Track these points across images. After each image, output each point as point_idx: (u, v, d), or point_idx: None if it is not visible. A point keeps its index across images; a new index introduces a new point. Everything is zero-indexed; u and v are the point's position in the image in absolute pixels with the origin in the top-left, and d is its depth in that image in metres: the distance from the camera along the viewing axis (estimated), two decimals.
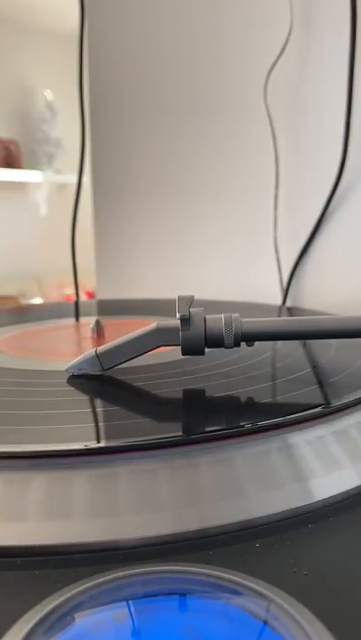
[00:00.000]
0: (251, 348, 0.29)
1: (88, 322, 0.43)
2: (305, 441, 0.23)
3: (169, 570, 0.16)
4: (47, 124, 2.31)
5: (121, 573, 0.16)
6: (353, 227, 0.53)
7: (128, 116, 0.73)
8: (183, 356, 0.29)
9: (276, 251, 0.59)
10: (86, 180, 0.76)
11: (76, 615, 0.15)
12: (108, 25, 0.73)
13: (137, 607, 0.15)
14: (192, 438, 0.21)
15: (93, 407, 0.27)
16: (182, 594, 0.16)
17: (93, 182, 0.80)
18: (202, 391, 0.28)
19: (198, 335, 0.28)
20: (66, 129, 2.21)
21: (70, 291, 1.89)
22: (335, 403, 0.25)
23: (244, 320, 0.28)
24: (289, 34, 0.55)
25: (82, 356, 0.30)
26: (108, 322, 0.43)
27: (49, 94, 2.29)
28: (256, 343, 0.29)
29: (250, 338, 0.29)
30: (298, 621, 0.14)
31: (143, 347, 0.29)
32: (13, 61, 2.22)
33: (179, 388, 0.28)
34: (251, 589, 0.15)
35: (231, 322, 0.28)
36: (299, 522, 0.20)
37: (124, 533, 0.19)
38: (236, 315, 0.28)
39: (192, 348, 0.28)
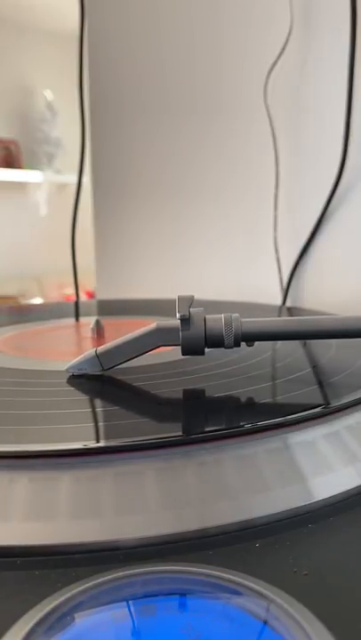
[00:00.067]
0: (251, 347, 0.29)
1: (88, 322, 0.43)
2: (305, 441, 0.23)
3: (169, 570, 0.16)
4: (47, 123, 2.31)
5: (121, 573, 0.16)
6: (353, 227, 0.53)
7: (128, 116, 0.73)
8: (183, 356, 0.29)
9: (276, 251, 0.59)
10: (86, 180, 0.76)
11: (76, 615, 0.15)
12: (108, 25, 0.73)
13: (137, 607, 0.15)
14: (192, 438, 0.21)
15: (93, 407, 0.27)
16: (182, 594, 0.16)
17: (93, 182, 0.80)
18: (202, 391, 0.28)
19: (198, 335, 0.28)
20: (66, 129, 2.21)
21: (70, 291, 1.89)
22: (335, 403, 0.25)
23: (244, 320, 0.28)
24: (289, 34, 0.55)
25: (82, 356, 0.30)
26: (108, 322, 0.43)
27: (49, 94, 2.29)
28: (256, 343, 0.29)
29: (250, 338, 0.29)
30: (298, 621, 0.14)
31: (143, 347, 0.29)
32: (13, 61, 2.22)
33: (179, 387, 0.28)
34: (251, 589, 0.15)
35: (231, 322, 0.28)
36: (299, 522, 0.20)
37: (124, 533, 0.18)
38: (236, 315, 0.28)
39: (192, 348, 0.28)
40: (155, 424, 0.24)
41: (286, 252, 0.59)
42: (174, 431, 0.22)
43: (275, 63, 0.56)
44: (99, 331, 0.40)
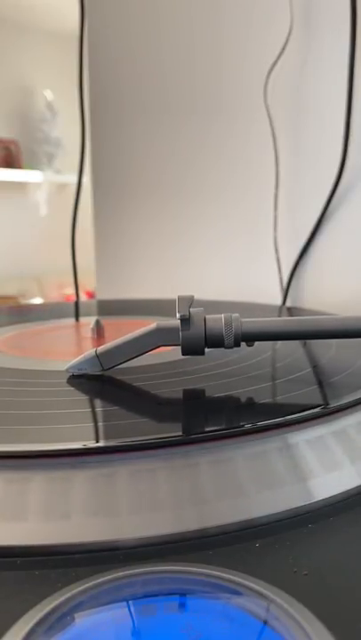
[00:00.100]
0: (251, 347, 0.29)
1: (88, 322, 0.43)
2: (305, 441, 0.22)
3: (169, 570, 0.16)
4: (47, 123, 2.31)
5: (121, 573, 0.16)
6: (353, 227, 0.53)
7: (128, 116, 0.73)
8: (183, 356, 0.29)
9: (276, 251, 0.59)
10: (86, 180, 0.76)
11: (76, 615, 0.15)
12: (108, 25, 0.73)
13: (137, 607, 0.15)
14: (192, 438, 0.21)
15: (93, 407, 0.27)
16: (182, 594, 0.16)
17: (93, 182, 0.80)
18: (202, 391, 0.28)
19: (198, 335, 0.28)
20: (66, 129, 2.21)
21: (70, 291, 1.89)
22: (335, 403, 0.25)
23: (244, 320, 0.28)
24: (289, 34, 0.55)
25: (82, 356, 0.30)
26: (108, 322, 0.43)
27: (49, 94, 2.29)
28: (256, 343, 0.29)
29: (250, 338, 0.29)
30: (298, 621, 0.14)
31: (143, 347, 0.29)
32: (13, 61, 2.22)
33: (179, 388, 0.28)
34: (251, 589, 0.15)
35: (231, 322, 0.28)
36: (299, 522, 0.20)
37: (124, 533, 0.19)
38: (236, 315, 0.28)
39: (192, 348, 0.28)
40: (155, 424, 0.24)
41: (286, 252, 0.59)
42: (174, 431, 0.22)
43: (275, 63, 0.56)
44: (99, 331, 0.40)
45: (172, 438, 0.21)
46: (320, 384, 0.29)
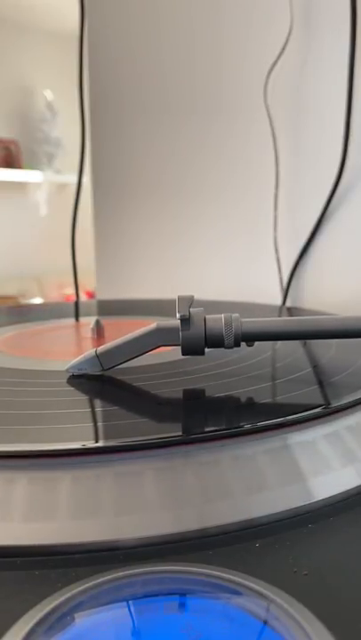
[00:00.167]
0: (251, 347, 0.29)
1: (88, 322, 0.43)
2: (305, 441, 0.22)
3: (169, 570, 0.16)
4: (47, 123, 2.31)
5: (121, 573, 0.16)
6: (353, 227, 0.53)
7: (128, 116, 0.73)
8: (183, 356, 0.29)
9: (276, 251, 0.59)
10: (86, 180, 0.76)
11: (76, 615, 0.15)
12: (108, 25, 0.73)
13: (137, 607, 0.15)
14: (192, 438, 0.21)
15: (93, 407, 0.27)
16: (182, 594, 0.16)
17: (93, 182, 0.80)
18: (202, 391, 0.28)
19: (198, 335, 0.28)
20: (66, 129, 2.21)
21: (70, 291, 1.89)
22: (335, 403, 0.25)
23: (244, 320, 0.28)
24: (289, 34, 0.55)
25: (82, 356, 0.30)
26: (108, 322, 0.43)
27: (49, 94, 2.29)
28: (256, 343, 0.29)
29: (250, 338, 0.29)
30: (298, 621, 0.14)
31: (143, 347, 0.29)
32: (13, 61, 2.22)
33: (179, 388, 0.28)
34: (251, 589, 0.15)
35: (231, 322, 0.28)
36: (299, 522, 0.20)
37: (124, 533, 0.18)
38: (236, 315, 0.28)
39: (192, 348, 0.28)
40: (155, 424, 0.24)
41: (286, 252, 0.59)
42: (174, 431, 0.22)
43: (275, 63, 0.56)
44: (99, 331, 0.40)
45: (172, 438, 0.21)
46: (320, 384, 0.29)
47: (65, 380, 0.29)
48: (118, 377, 0.29)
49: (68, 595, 0.15)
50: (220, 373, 0.30)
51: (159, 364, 0.32)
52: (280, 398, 0.27)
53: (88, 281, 0.89)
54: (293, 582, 0.16)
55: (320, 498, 0.21)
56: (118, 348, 0.29)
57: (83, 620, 0.15)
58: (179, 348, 0.28)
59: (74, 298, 0.78)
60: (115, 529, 0.19)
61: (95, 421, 0.25)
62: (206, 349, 0.29)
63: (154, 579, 0.16)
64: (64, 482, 0.19)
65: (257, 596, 0.15)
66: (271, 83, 0.57)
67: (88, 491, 0.19)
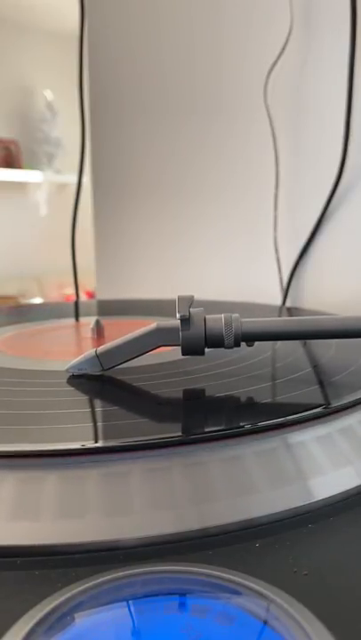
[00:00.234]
0: (251, 347, 0.29)
1: (88, 322, 0.43)
2: (305, 441, 0.22)
3: (169, 570, 0.16)
4: (47, 123, 2.31)
5: (121, 573, 0.16)
6: (353, 227, 0.53)
7: (128, 116, 0.73)
8: (183, 356, 0.29)
9: (276, 251, 0.59)
10: (86, 180, 0.76)
11: (76, 615, 0.15)
12: (108, 25, 0.73)
13: (137, 607, 0.15)
14: (192, 438, 0.21)
15: (93, 407, 0.27)
16: (182, 594, 0.16)
17: (93, 182, 0.80)
18: (202, 391, 0.28)
19: (198, 335, 0.28)
20: (66, 129, 2.21)
21: (70, 291, 1.89)
22: (335, 403, 0.25)
23: (244, 320, 0.28)
24: (289, 34, 0.55)
25: (82, 356, 0.30)
26: (108, 322, 0.43)
27: (49, 94, 2.29)
28: (256, 343, 0.29)
29: (250, 338, 0.28)
30: (298, 621, 0.14)
31: (143, 347, 0.29)
32: (13, 61, 2.22)
33: (179, 388, 0.28)
34: (251, 589, 0.15)
35: (231, 322, 0.28)
36: (299, 522, 0.20)
37: (124, 533, 0.18)
38: (236, 315, 0.28)
39: (192, 348, 0.28)
40: (155, 424, 0.24)
41: (286, 252, 0.59)
42: (174, 431, 0.22)
43: (275, 63, 0.56)
44: (99, 331, 0.40)
45: (173, 438, 0.21)
46: (320, 384, 0.29)
47: (65, 380, 0.29)
48: (118, 377, 0.29)
49: (68, 595, 0.15)
50: (220, 373, 0.30)
51: (159, 364, 0.32)
52: (280, 398, 0.27)
53: (88, 281, 0.89)
54: (293, 582, 0.16)
55: (320, 498, 0.21)
56: (118, 348, 0.29)
57: (83, 620, 0.15)
58: (179, 348, 0.28)
59: (74, 298, 0.78)
60: (115, 529, 0.19)
61: (95, 421, 0.25)
62: (206, 349, 0.29)
63: (154, 579, 0.16)
64: (64, 482, 0.19)
65: (257, 596, 0.15)
66: (271, 83, 0.57)
67: (88, 490, 0.19)
